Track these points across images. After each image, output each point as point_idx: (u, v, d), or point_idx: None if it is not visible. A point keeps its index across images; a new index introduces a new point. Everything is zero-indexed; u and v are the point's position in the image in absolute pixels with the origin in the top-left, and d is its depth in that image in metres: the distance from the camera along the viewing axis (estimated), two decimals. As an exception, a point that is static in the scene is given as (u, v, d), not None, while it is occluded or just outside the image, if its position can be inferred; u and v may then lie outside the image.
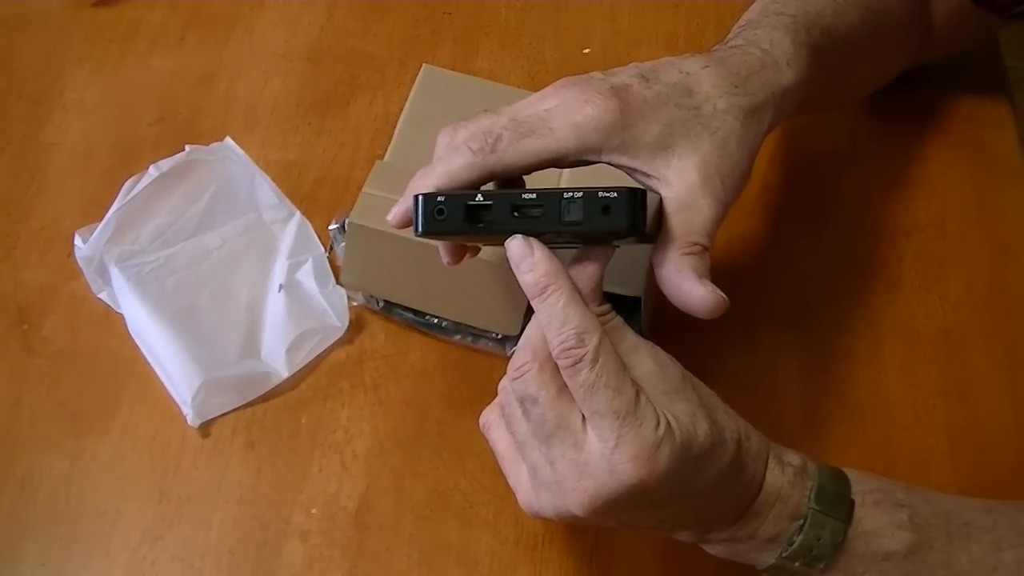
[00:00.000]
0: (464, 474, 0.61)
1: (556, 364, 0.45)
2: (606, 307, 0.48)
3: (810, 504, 0.48)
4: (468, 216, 0.45)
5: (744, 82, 0.52)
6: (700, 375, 0.49)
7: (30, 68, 0.78)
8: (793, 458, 0.50)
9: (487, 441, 0.51)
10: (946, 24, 0.71)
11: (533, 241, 0.45)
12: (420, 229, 0.46)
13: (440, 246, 0.53)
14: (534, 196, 0.45)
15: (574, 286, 0.46)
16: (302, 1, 0.82)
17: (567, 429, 0.45)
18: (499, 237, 0.46)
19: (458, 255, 0.53)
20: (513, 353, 0.48)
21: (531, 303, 0.46)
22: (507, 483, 0.58)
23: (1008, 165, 0.74)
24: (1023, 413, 0.64)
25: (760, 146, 0.52)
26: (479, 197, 0.45)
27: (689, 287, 0.47)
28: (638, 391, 0.45)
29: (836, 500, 0.48)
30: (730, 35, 0.57)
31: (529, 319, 0.48)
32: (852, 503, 0.49)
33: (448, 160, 0.49)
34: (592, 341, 0.44)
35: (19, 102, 0.76)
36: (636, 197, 0.44)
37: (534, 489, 0.48)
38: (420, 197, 0.46)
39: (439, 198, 0.46)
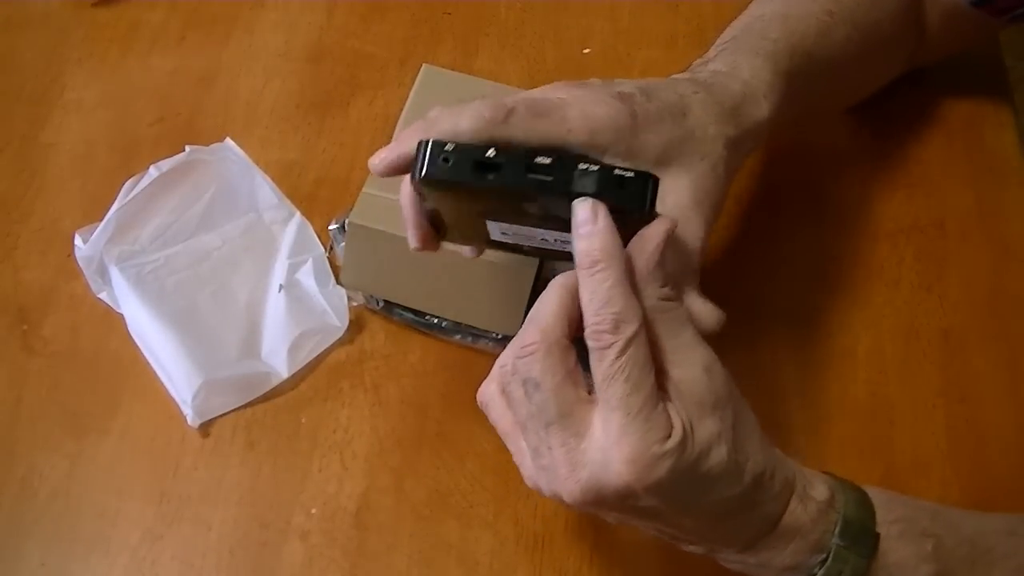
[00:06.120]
0: (464, 474, 0.61)
1: (564, 349, 0.44)
2: (670, 292, 0.44)
3: (834, 539, 0.47)
4: (476, 168, 0.43)
5: (729, 114, 0.53)
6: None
7: (30, 68, 0.78)
8: (820, 491, 0.48)
9: (487, 418, 0.49)
10: (943, 27, 0.71)
11: (601, 209, 0.42)
12: (422, 173, 0.44)
13: (409, 223, 0.50)
14: (548, 161, 0.43)
15: (626, 270, 0.43)
16: (302, 1, 0.82)
17: (569, 417, 0.43)
18: (499, 204, 0.44)
19: (427, 240, 0.51)
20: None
21: (577, 272, 0.43)
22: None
23: (1008, 165, 0.74)
24: (1023, 413, 0.64)
25: (734, 179, 0.53)
26: (491, 152, 0.43)
27: None
28: (661, 396, 0.43)
29: (861, 534, 0.47)
30: (713, 51, 0.58)
31: None
32: (877, 536, 0.47)
33: (456, 115, 0.46)
34: (627, 331, 0.42)
35: (19, 102, 0.76)
36: (651, 181, 0.43)
37: (535, 467, 0.46)
38: (428, 141, 0.44)
39: (447, 146, 0.43)
